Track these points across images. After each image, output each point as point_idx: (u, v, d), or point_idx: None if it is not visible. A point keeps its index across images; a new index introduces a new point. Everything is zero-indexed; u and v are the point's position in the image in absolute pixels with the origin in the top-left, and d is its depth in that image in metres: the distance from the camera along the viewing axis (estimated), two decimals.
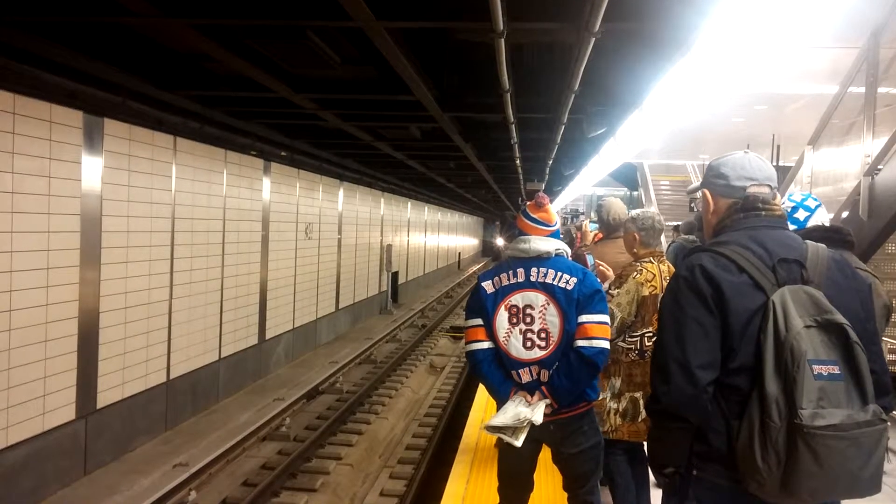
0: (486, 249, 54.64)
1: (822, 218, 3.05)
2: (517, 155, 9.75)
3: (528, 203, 3.02)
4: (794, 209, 2.97)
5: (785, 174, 9.10)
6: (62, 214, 6.29)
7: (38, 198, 6.00)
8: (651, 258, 3.40)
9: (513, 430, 2.64)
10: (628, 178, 26.66)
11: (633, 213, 3.57)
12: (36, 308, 6.01)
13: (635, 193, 26.34)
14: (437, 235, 30.79)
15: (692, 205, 16.28)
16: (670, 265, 3.53)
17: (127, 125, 7.15)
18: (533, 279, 2.78)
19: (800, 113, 9.61)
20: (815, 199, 3.08)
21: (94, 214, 6.72)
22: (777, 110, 10.29)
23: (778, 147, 13.41)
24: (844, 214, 5.66)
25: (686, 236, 8.46)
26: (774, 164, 13.69)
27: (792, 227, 2.51)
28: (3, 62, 5.16)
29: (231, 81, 6.22)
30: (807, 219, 2.97)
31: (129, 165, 7.24)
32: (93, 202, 6.69)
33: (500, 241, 48.22)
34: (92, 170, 6.66)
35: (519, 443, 2.63)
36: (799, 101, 9.35)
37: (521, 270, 2.82)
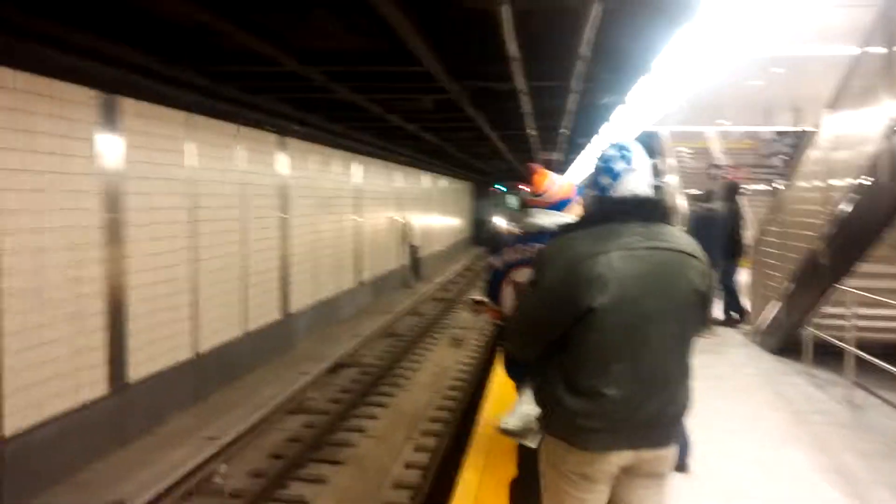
0: (479, 233, 34.35)
1: None
2: (531, 125, 9.69)
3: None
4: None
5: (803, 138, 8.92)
6: (84, 194, 6.42)
7: (60, 177, 6.13)
8: None
9: (526, 431, 2.51)
10: (646, 146, 26.22)
11: None
12: (64, 284, 6.17)
13: (654, 161, 25.97)
14: (456, 206, 30.55)
15: (710, 171, 16.07)
16: None
17: (142, 103, 7.23)
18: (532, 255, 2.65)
19: (818, 74, 9.39)
20: None
21: (116, 192, 6.85)
22: (795, 72, 10.06)
23: (798, 110, 13.17)
24: (863, 182, 5.55)
25: (705, 204, 8.43)
26: (796, 128, 13.45)
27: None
28: (22, 44, 5.22)
29: (242, 56, 6.21)
30: None
31: (145, 142, 7.34)
32: (114, 180, 6.81)
33: (499, 222, 29.80)
34: (110, 148, 6.77)
35: (535, 444, 2.45)
36: (817, 62, 9.13)
37: (525, 246, 2.76)
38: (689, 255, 2.07)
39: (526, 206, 2.89)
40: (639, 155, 2.15)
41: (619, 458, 2.06)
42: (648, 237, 2.02)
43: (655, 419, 2.04)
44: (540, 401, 2.19)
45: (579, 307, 1.97)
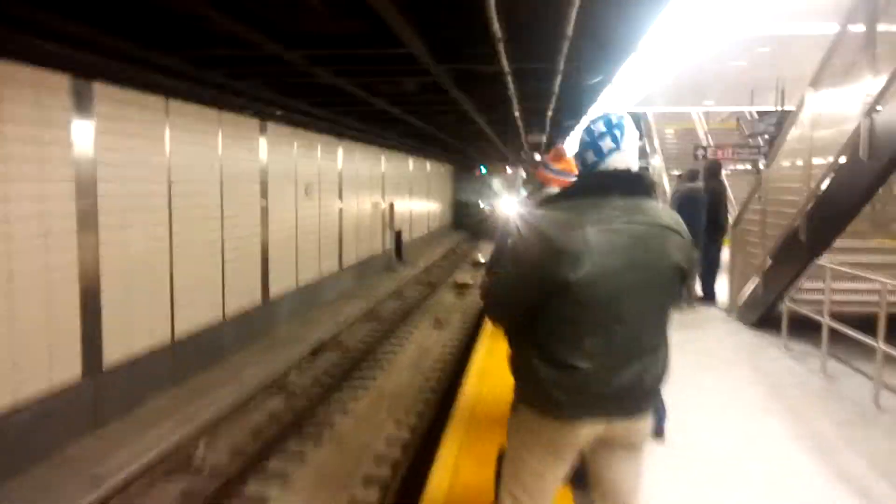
0: (461, 218, 33.00)
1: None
2: (516, 106, 9.63)
3: (548, 155, 3.04)
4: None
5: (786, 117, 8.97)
6: (56, 181, 6.29)
7: (30, 164, 5.99)
8: None
9: None
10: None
11: None
12: (37, 271, 6.06)
13: (640, 143, 26.05)
14: (438, 190, 30.51)
15: (696, 153, 16.20)
16: None
17: (118, 88, 7.08)
18: None
19: (803, 54, 9.42)
20: None
21: (90, 179, 6.72)
22: (780, 51, 10.07)
23: (782, 91, 13.23)
24: (842, 159, 5.58)
25: (689, 184, 8.45)
26: (779, 107, 13.54)
27: None
28: None
29: (221, 40, 6.10)
30: None
31: (121, 128, 7.20)
32: (87, 167, 6.68)
33: (487, 206, 30.22)
34: (83, 134, 6.63)
35: None
36: (801, 41, 9.14)
37: None
38: (669, 229, 2.05)
39: (542, 184, 3.03)
40: (628, 133, 2.10)
41: (591, 429, 2.06)
42: (628, 211, 2.00)
43: (628, 390, 2.02)
44: (514, 370, 2.18)
45: (554, 280, 1.96)
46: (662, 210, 2.10)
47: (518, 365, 2.17)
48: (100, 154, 6.85)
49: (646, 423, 2.14)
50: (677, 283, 2.10)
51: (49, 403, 6.21)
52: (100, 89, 6.83)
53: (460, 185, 33.98)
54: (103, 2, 5.07)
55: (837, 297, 6.07)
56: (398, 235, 20.80)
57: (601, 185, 2.05)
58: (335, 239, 14.95)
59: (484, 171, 32.68)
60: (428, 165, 27.18)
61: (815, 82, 6.41)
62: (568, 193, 2.16)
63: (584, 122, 13.66)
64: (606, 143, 2.07)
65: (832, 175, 5.81)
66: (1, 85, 5.67)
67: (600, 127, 2.09)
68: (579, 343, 1.99)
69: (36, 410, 6.05)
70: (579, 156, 2.15)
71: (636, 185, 2.07)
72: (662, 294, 2.07)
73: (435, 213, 29.34)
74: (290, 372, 9.08)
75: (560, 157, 2.98)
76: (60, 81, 6.33)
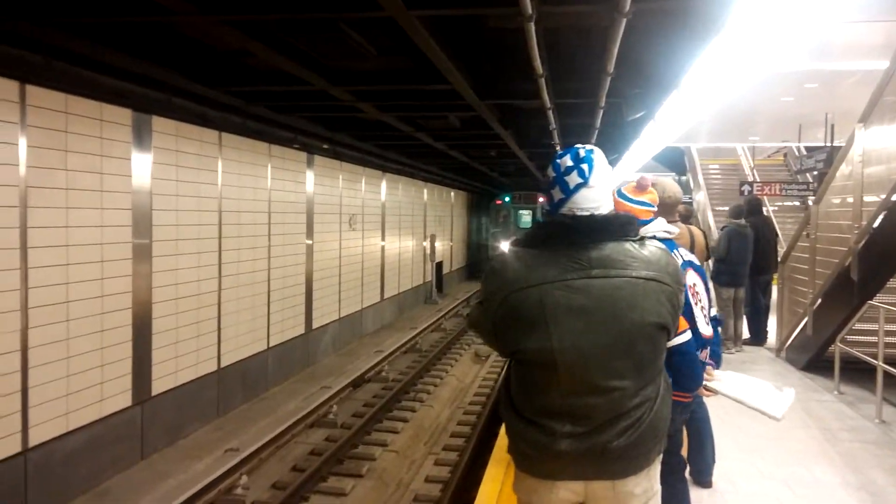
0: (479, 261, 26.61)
1: None
2: (557, 142, 9.68)
3: (630, 185, 2.92)
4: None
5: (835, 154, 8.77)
6: (114, 209, 6.54)
7: (91, 193, 6.24)
8: None
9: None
10: (675, 162, 26.13)
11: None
12: (92, 299, 6.27)
13: (683, 178, 25.79)
14: (485, 220, 30.48)
15: (742, 188, 15.95)
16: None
17: (174, 122, 7.36)
18: (685, 258, 2.81)
19: (853, 89, 9.26)
20: None
21: (145, 209, 6.96)
22: (829, 88, 9.92)
23: (831, 126, 12.98)
24: (895, 197, 5.44)
25: (735, 220, 8.33)
26: (829, 143, 13.27)
27: None
28: (55, 64, 5.38)
29: (271, 76, 6.35)
30: None
31: (176, 161, 7.47)
32: (143, 198, 6.93)
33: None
34: (141, 165, 6.90)
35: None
36: (851, 77, 9.00)
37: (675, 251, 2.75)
38: (646, 280, 1.82)
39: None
40: (598, 167, 1.90)
41: (568, 491, 1.89)
42: (594, 262, 1.81)
43: (605, 452, 1.83)
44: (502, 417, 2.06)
45: (508, 345, 1.88)
46: (642, 255, 1.86)
47: (501, 412, 2.03)
48: (156, 185, 7.10)
49: (637, 485, 1.90)
50: (660, 339, 1.88)
51: (97, 432, 6.34)
52: (157, 122, 7.11)
53: (481, 217, 28.63)
54: (159, 40, 5.33)
55: (892, 340, 5.86)
56: (439, 267, 20.86)
57: (561, 233, 1.86)
58: (378, 270, 15.10)
59: (507, 199, 25.93)
60: (468, 197, 27.22)
61: (866, 118, 6.29)
62: (532, 240, 1.93)
63: (626, 157, 13.62)
64: (573, 179, 1.87)
65: (885, 213, 5.66)
66: (68, 117, 5.95)
67: (567, 161, 1.91)
68: (546, 402, 1.84)
69: (84, 439, 6.18)
70: (547, 193, 1.97)
71: (602, 231, 1.85)
72: (637, 353, 1.83)
73: (476, 245, 28.69)
74: (331, 404, 9.12)
75: (644, 189, 2.84)
76: (122, 115, 6.61)
